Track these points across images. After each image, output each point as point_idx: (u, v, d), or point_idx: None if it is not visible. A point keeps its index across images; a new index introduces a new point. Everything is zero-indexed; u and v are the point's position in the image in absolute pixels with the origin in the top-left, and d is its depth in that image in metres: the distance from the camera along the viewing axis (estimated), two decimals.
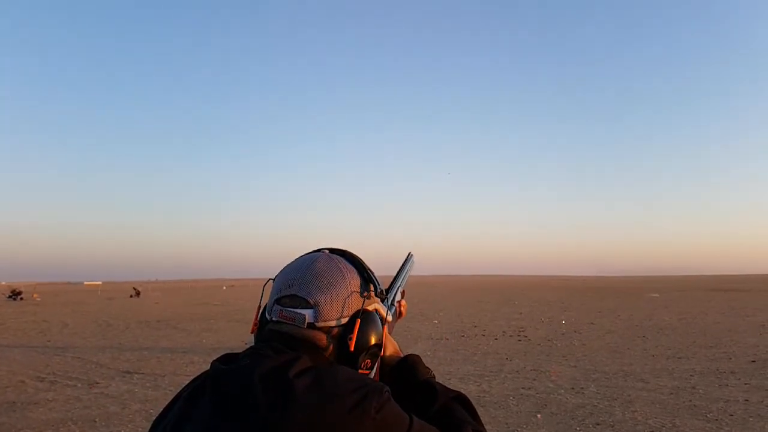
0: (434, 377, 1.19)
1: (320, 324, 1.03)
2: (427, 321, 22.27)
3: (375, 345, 1.07)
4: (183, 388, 1.02)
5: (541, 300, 38.92)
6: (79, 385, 10.07)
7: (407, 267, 1.52)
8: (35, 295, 52.60)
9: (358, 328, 1.04)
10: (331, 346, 1.04)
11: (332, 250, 1.15)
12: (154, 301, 43.52)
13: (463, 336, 17.23)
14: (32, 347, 15.52)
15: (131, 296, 52.30)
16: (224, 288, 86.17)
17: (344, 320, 1.05)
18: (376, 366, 1.13)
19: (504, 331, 18.43)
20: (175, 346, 15.43)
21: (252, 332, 1.13)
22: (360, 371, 1.05)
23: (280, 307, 1.05)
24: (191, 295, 59.00)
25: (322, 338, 1.03)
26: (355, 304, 1.07)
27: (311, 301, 1.03)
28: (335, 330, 1.04)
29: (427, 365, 1.22)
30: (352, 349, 1.03)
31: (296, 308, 1.03)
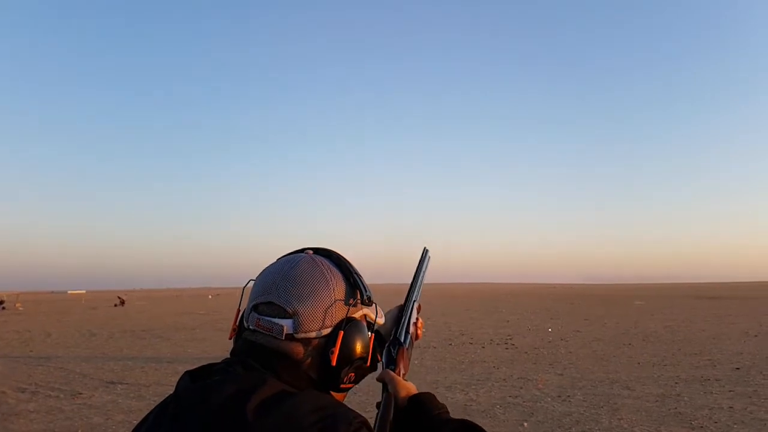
0: (447, 413, 1.07)
1: (300, 335, 0.95)
2: None
3: (360, 357, 0.99)
4: (158, 404, 0.95)
5: (528, 308, 39.03)
6: (62, 395, 9.93)
7: (423, 268, 1.35)
8: (18, 305, 51.93)
9: (342, 340, 0.95)
10: (309, 359, 0.96)
11: (316, 251, 1.06)
12: (138, 311, 43.15)
13: (450, 344, 17.23)
14: (14, 357, 15.30)
15: (115, 305, 51.73)
16: (210, 297, 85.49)
17: (326, 331, 0.96)
18: (385, 407, 1.05)
19: (491, 339, 18.47)
20: (159, 356, 15.29)
21: (230, 338, 1.05)
22: (343, 385, 0.98)
23: (257, 315, 0.97)
24: (176, 304, 58.53)
25: (301, 351, 0.95)
26: (339, 313, 0.98)
27: (290, 311, 0.95)
28: (316, 341, 0.96)
29: (441, 402, 1.09)
30: (334, 363, 0.94)
31: (274, 317, 0.95)
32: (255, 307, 0.99)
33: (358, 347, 0.98)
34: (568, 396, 9.40)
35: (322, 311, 0.96)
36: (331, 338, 0.96)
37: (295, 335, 0.95)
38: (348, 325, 0.98)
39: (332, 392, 0.99)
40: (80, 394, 10.05)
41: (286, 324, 0.94)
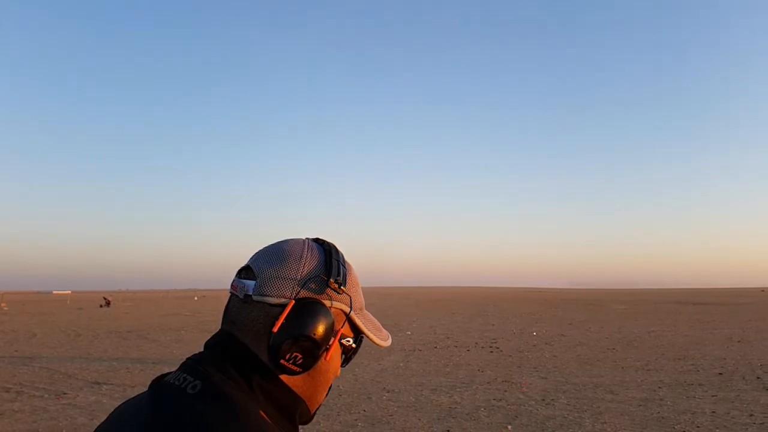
0: None
1: (256, 298, 0.94)
2: (400, 332, 22.29)
3: (308, 337, 0.92)
4: (119, 413, 0.94)
5: (512, 312, 39.24)
6: (47, 395, 9.88)
7: None
8: (3, 305, 51.55)
9: (292, 311, 0.93)
10: (261, 326, 0.93)
11: (315, 240, 1.06)
12: (124, 311, 42.87)
13: (435, 347, 17.30)
14: None
15: (101, 306, 51.42)
16: (195, 298, 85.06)
17: (280, 300, 0.93)
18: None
19: (476, 343, 18.57)
20: (145, 357, 15.23)
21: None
22: (283, 362, 0.92)
23: (236, 277, 1.00)
24: (162, 305, 58.20)
25: (256, 317, 0.94)
26: (297, 288, 0.95)
27: (256, 273, 0.96)
28: (270, 309, 0.93)
29: None
30: (275, 330, 0.90)
31: (244, 279, 0.97)
32: (238, 272, 1.01)
33: (311, 327, 0.93)
34: (552, 399, 9.48)
35: (282, 278, 0.95)
36: (283, 307, 0.94)
37: (253, 297, 0.94)
38: (306, 301, 0.95)
39: (281, 376, 0.96)
40: (65, 394, 10.00)
41: (248, 284, 0.95)
